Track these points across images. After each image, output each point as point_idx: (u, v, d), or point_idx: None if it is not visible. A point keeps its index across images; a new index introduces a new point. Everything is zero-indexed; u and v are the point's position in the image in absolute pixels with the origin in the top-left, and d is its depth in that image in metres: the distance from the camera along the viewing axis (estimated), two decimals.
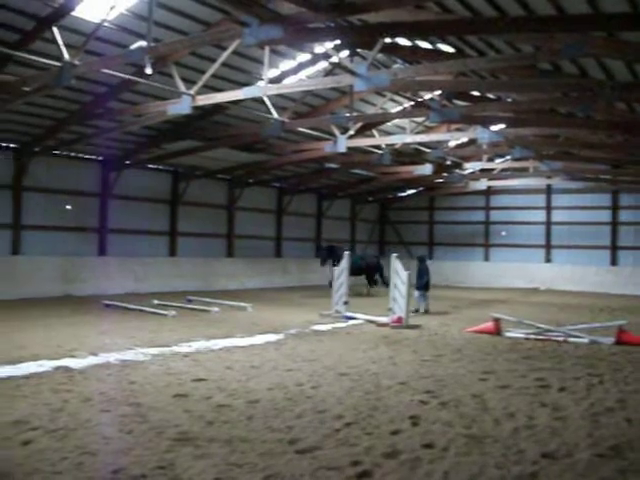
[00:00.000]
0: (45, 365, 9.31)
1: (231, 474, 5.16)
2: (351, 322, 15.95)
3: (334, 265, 20.91)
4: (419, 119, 20.94)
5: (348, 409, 7.28)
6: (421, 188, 35.66)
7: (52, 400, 7.29)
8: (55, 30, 13.46)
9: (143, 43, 12.93)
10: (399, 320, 14.98)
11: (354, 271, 22.39)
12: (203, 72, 15.44)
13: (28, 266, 20.61)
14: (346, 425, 6.63)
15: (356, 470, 5.30)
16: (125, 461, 5.35)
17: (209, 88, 16.21)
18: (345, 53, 16.76)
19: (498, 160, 28.66)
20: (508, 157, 26.67)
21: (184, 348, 11.30)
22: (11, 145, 20.95)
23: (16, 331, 12.79)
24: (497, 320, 14.03)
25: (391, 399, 7.81)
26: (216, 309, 17.50)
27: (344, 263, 17.25)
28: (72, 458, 5.41)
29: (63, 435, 6.03)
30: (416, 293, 18.29)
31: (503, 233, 35.37)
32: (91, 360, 9.85)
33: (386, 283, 22.00)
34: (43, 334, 12.45)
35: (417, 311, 17.92)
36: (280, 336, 13.24)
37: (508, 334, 13.80)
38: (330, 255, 24.76)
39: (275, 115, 18.01)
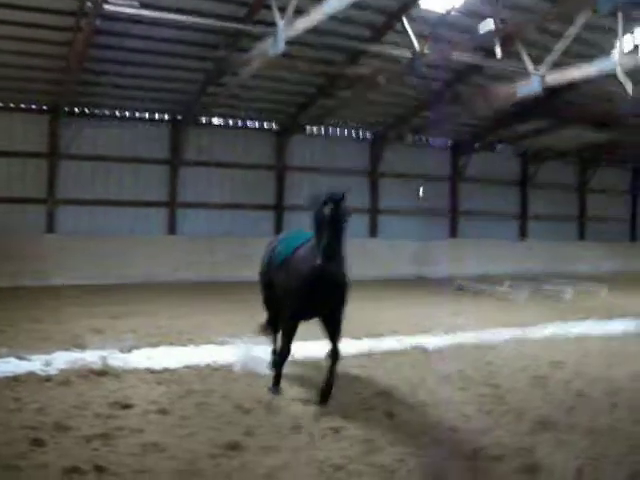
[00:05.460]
0: (403, 341, 9.72)
1: (595, 465, 4.86)
2: None
3: None
4: None
5: None
6: None
7: (411, 375, 7.57)
8: (405, 21, 14.05)
9: (491, 25, 12.80)
10: None
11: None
12: (551, 50, 14.70)
13: (384, 248, 21.82)
14: None
15: None
16: (486, 440, 5.33)
17: (558, 66, 15.39)
18: None
19: None
20: None
21: (538, 331, 10.97)
22: (367, 135, 22.40)
23: (375, 309, 13.61)
24: None
25: None
26: (568, 293, 16.70)
27: None
28: (433, 433, 5.54)
29: (423, 410, 6.21)
30: None
31: None
32: (446, 339, 10.06)
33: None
34: (400, 312, 13.07)
35: None
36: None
37: None
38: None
39: (629, 90, 16.50)
